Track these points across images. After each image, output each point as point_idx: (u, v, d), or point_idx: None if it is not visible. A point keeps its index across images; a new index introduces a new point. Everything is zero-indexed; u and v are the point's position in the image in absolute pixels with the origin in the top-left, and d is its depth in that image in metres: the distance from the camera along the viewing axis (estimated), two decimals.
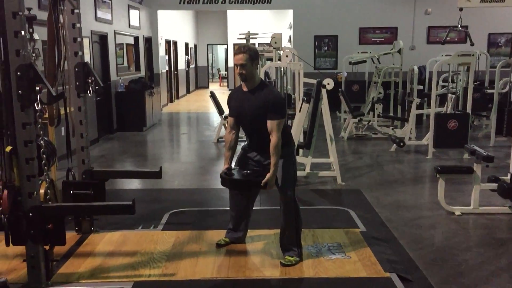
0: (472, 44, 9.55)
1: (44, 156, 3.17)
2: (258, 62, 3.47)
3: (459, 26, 9.36)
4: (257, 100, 3.41)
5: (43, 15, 3.67)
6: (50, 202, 3.30)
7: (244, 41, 10.45)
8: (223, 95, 17.38)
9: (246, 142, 3.70)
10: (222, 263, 3.55)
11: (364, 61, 11.11)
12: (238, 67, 3.38)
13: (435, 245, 4.01)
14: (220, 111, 9.03)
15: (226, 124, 8.81)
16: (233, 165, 3.67)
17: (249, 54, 3.36)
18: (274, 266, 3.49)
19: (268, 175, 3.35)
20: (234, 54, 3.44)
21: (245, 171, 3.52)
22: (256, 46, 10.39)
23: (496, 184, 4.70)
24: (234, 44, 19.10)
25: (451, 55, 7.53)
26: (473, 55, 7.11)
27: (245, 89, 3.49)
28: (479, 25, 12.45)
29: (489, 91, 9.26)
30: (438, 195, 4.75)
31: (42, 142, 3.16)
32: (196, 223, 4.44)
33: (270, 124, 3.36)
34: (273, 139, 3.35)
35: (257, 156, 3.57)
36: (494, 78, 8.35)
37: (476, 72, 8.79)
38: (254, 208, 3.91)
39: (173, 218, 4.60)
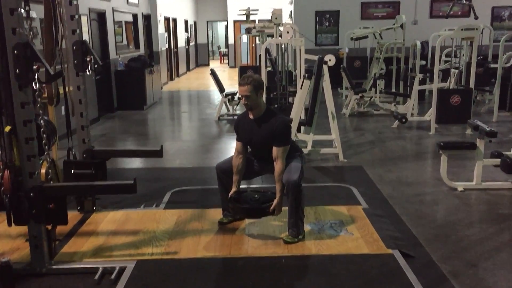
0: (476, 18, 9.39)
1: (44, 135, 3.15)
2: (262, 91, 3.53)
3: None
4: (264, 130, 3.48)
5: None
6: (51, 182, 3.29)
7: (244, 18, 10.34)
8: (223, 73, 17.34)
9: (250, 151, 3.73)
10: (224, 241, 3.56)
11: (366, 37, 10.99)
12: (243, 98, 3.44)
13: (437, 221, 4.01)
14: (221, 89, 8.96)
15: (226, 102, 8.84)
16: None
17: (253, 85, 3.41)
18: (276, 243, 3.49)
19: (275, 202, 3.43)
20: (239, 85, 3.50)
21: (254, 195, 3.59)
22: (256, 22, 10.23)
23: (499, 160, 4.67)
24: (234, 21, 18.94)
25: (454, 30, 7.42)
26: (476, 29, 7.00)
27: (251, 116, 3.55)
28: None
29: (492, 65, 9.15)
30: (441, 171, 4.74)
31: (42, 121, 3.13)
32: (198, 202, 4.43)
33: (276, 151, 3.43)
34: (278, 165, 3.43)
35: (261, 164, 3.68)
36: (497, 52, 8.24)
37: (479, 46, 8.68)
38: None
39: (175, 196, 4.60)
